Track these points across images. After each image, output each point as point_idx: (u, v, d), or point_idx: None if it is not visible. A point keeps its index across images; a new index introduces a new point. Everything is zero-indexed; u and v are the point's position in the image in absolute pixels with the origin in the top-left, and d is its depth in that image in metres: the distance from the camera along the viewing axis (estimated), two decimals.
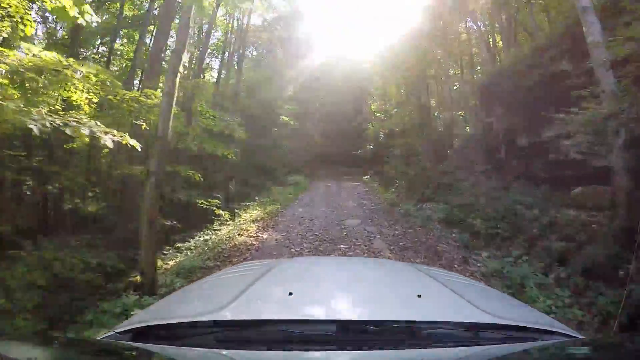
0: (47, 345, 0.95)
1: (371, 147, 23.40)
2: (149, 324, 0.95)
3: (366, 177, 19.98)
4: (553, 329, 0.97)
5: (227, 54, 19.84)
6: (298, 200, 11.60)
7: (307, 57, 26.14)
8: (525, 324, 0.96)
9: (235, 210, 8.87)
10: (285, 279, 1.44)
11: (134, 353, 0.89)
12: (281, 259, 2.99)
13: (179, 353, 0.85)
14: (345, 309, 1.08)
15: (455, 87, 17.54)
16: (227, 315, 0.93)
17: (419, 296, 1.04)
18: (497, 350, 0.88)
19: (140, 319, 1.07)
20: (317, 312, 1.02)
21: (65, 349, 0.92)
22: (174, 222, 7.46)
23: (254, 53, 25.79)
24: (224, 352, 0.82)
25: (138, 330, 0.93)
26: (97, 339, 0.96)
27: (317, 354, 0.85)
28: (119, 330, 0.94)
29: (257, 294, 1.13)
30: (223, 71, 17.26)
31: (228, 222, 7.38)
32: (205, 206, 7.65)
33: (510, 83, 10.23)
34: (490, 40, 16.66)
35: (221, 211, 7.69)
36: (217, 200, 7.93)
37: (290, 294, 1.04)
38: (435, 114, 18.52)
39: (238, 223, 7.40)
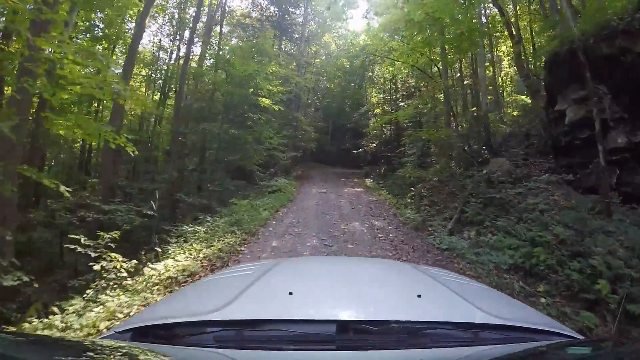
0: (46, 345, 0.91)
1: (374, 145, 19.81)
2: (149, 323, 0.95)
3: (369, 181, 16.33)
4: (553, 329, 0.96)
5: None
6: (275, 221, 7.56)
7: (301, 39, 22.42)
8: (525, 324, 0.95)
9: (163, 246, 5.13)
10: (285, 279, 1.41)
11: (134, 353, 0.83)
12: (281, 259, 2.40)
13: (179, 353, 0.83)
14: (345, 309, 1.03)
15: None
16: (227, 315, 0.91)
17: (419, 296, 1.03)
18: (497, 351, 0.86)
19: (140, 318, 1.06)
20: (317, 312, 0.99)
21: (64, 349, 0.88)
22: (30, 278, 3.81)
23: (244, 40, 21.81)
24: (224, 352, 0.80)
25: (138, 330, 0.92)
26: (97, 338, 0.98)
27: (317, 354, 0.82)
28: (118, 330, 0.95)
29: (257, 294, 1.13)
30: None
31: (116, 283, 3.66)
32: (79, 249, 3.87)
33: (610, 49, 6.64)
34: (514, 28, 13.57)
35: (116, 257, 3.89)
36: (113, 234, 4.14)
37: (290, 293, 1.02)
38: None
39: (133, 288, 3.66)
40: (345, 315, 0.97)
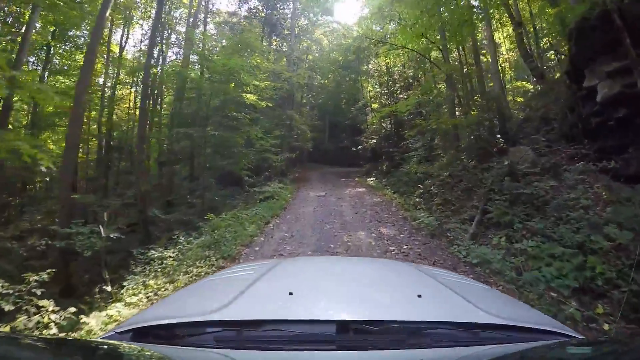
0: (46, 345, 0.91)
1: (374, 140, 18.73)
2: (149, 324, 0.94)
3: (371, 179, 15.27)
4: (553, 329, 0.96)
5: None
6: (264, 237, 6.29)
7: (291, 34, 21.37)
8: (525, 324, 0.95)
9: (127, 276, 4.08)
10: (285, 279, 1.41)
11: (134, 353, 0.85)
12: (281, 259, 2.43)
13: (179, 353, 0.83)
14: (345, 309, 1.02)
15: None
16: (227, 315, 0.91)
17: (419, 296, 1.03)
18: (497, 350, 0.86)
19: (140, 319, 1.04)
20: (317, 312, 0.99)
21: (64, 349, 0.88)
22: None
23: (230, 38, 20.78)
24: (224, 352, 0.80)
25: (138, 330, 0.92)
26: (97, 339, 0.99)
27: (317, 354, 0.82)
28: (118, 330, 0.94)
29: (257, 294, 1.12)
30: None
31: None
32: None
33: None
34: (513, 10, 12.63)
35: (44, 306, 2.86)
36: (42, 275, 3.09)
37: (291, 293, 1.02)
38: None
39: None
40: (345, 315, 0.95)
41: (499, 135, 9.97)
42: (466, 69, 11.31)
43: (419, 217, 7.16)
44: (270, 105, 11.03)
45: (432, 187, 9.69)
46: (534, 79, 13.73)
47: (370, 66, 21.49)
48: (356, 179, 16.46)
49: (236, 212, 7.42)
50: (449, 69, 10.08)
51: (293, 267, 1.76)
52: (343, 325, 0.85)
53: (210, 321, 0.88)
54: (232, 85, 9.38)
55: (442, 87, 12.94)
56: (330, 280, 1.39)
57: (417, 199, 9.73)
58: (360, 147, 20.18)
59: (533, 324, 0.95)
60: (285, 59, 18.14)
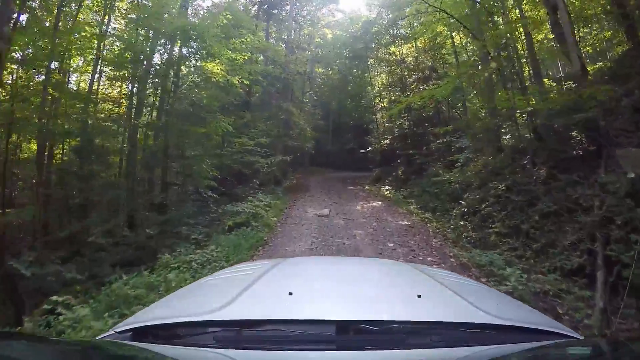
0: (46, 345, 0.90)
1: (387, 141, 15.92)
2: (149, 323, 0.93)
3: (386, 188, 12.42)
4: (553, 330, 0.94)
5: None
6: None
7: (290, 15, 18.62)
8: (525, 324, 0.93)
9: None
10: (285, 279, 1.40)
11: (133, 353, 0.83)
12: (281, 259, 2.19)
13: (179, 353, 0.81)
14: (345, 309, 1.00)
15: None
16: (227, 315, 0.90)
17: (419, 296, 1.01)
18: (497, 351, 0.84)
19: (139, 318, 1.03)
20: (317, 312, 0.97)
21: (64, 349, 0.87)
22: None
23: None
24: (224, 352, 0.79)
25: (137, 330, 0.91)
26: (97, 338, 0.96)
27: (316, 354, 0.81)
28: (118, 329, 0.93)
29: (257, 294, 1.11)
30: None
31: None
32: None
33: None
34: None
35: None
36: None
37: (290, 294, 1.01)
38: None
39: None
40: (345, 315, 0.93)
41: (573, 133, 7.10)
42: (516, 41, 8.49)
43: (484, 260, 4.27)
44: (247, 83, 8.14)
45: (482, 205, 6.79)
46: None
47: (380, 54, 18.79)
48: (366, 187, 13.61)
49: (170, 260, 4.38)
50: (495, 35, 7.24)
51: (293, 267, 1.71)
52: (343, 325, 0.84)
53: (210, 321, 0.86)
54: (178, 43, 6.44)
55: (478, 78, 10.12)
56: (330, 280, 1.37)
57: (461, 222, 6.86)
58: (369, 148, 17.54)
59: (533, 325, 0.93)
60: (283, 45, 15.34)
